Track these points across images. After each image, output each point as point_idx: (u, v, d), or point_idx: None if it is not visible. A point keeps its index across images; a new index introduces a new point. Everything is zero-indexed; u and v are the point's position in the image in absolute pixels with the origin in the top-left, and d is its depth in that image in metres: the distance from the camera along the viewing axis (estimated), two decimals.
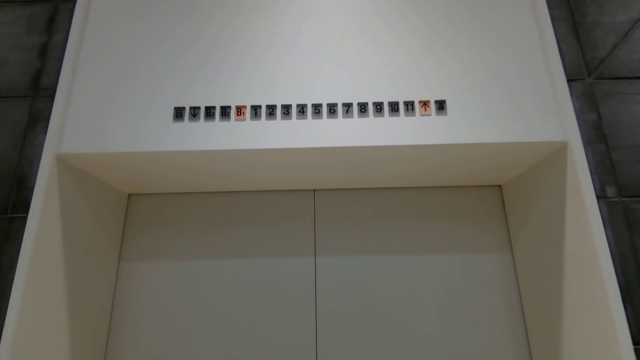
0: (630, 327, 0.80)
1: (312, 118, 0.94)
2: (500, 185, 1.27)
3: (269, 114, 0.95)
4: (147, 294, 1.18)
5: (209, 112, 0.95)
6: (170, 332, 1.15)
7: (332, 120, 0.94)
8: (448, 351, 1.11)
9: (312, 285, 1.18)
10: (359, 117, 0.94)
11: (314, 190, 1.27)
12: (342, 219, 1.24)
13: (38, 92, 1.01)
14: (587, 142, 0.93)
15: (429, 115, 0.94)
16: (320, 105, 0.95)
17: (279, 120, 0.94)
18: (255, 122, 0.94)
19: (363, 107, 0.95)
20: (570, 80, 0.97)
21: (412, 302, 1.16)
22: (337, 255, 1.20)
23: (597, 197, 0.88)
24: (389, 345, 1.12)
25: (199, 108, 0.96)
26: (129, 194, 1.28)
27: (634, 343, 0.79)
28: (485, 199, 1.25)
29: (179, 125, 0.95)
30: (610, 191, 0.89)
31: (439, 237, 1.22)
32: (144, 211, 1.26)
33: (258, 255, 1.21)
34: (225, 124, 0.94)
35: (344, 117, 0.94)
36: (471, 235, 1.22)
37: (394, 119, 0.94)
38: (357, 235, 1.23)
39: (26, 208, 0.91)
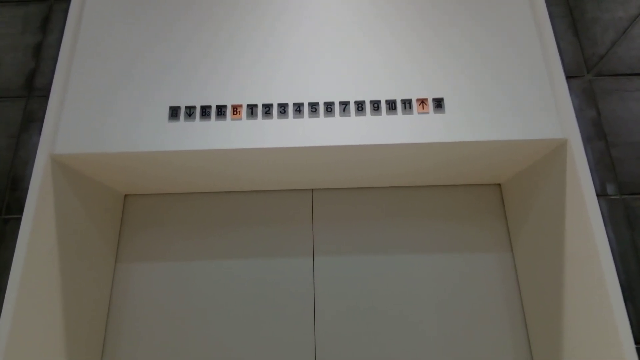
0: (632, 326, 0.79)
1: (309, 117, 0.94)
2: (499, 184, 1.26)
3: (265, 113, 0.94)
4: (144, 296, 1.17)
5: (205, 111, 0.94)
6: (168, 334, 1.14)
7: (329, 119, 0.93)
8: (448, 351, 1.10)
9: (310, 286, 1.17)
10: (356, 115, 0.93)
11: (312, 190, 1.27)
12: (341, 218, 1.23)
13: (32, 92, 1.00)
14: (587, 140, 0.92)
15: (427, 113, 0.93)
16: (317, 103, 0.94)
17: (275, 120, 0.93)
18: (252, 122, 0.93)
19: (360, 106, 0.94)
20: (569, 77, 0.96)
21: (411, 302, 1.15)
22: (336, 255, 1.19)
23: (598, 195, 0.87)
24: (389, 346, 1.11)
25: (194, 107, 0.95)
26: (125, 195, 1.27)
27: (636, 342, 0.78)
28: (485, 198, 1.25)
29: (175, 124, 0.94)
30: (610, 189, 0.88)
31: (438, 236, 1.21)
32: (140, 212, 1.25)
33: (256, 255, 1.20)
34: (221, 123, 0.93)
35: (341, 116, 0.93)
36: (470, 235, 1.21)
37: (392, 117, 0.93)
38: (356, 235, 1.22)
39: (20, 209, 0.90)
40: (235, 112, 0.94)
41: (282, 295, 1.16)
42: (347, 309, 1.15)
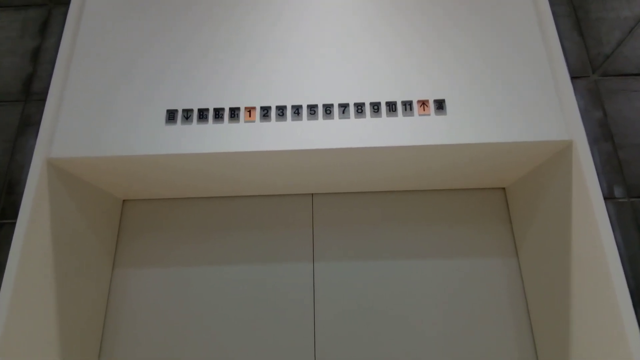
0: None
1: (308, 119, 0.92)
2: (504, 188, 1.23)
3: (263, 115, 0.92)
4: (142, 301, 1.16)
5: (202, 114, 0.93)
6: (166, 340, 1.12)
7: (328, 122, 0.92)
8: (452, 358, 1.07)
9: (310, 291, 1.15)
10: (355, 117, 0.92)
11: (312, 194, 1.25)
12: (342, 223, 1.22)
13: (30, 96, 0.99)
14: (593, 141, 0.89)
15: (428, 115, 0.91)
16: (315, 106, 0.93)
17: (273, 122, 0.92)
18: (249, 124, 0.92)
19: (360, 108, 0.92)
20: (574, 78, 0.94)
21: (414, 308, 1.12)
22: (336, 261, 1.17)
23: (605, 198, 0.85)
24: (391, 353, 1.09)
25: (191, 110, 0.94)
26: (124, 200, 1.26)
27: None
28: (489, 202, 1.22)
29: (172, 128, 0.93)
30: (618, 191, 0.86)
31: (441, 241, 1.19)
32: (138, 217, 1.24)
33: (255, 260, 1.18)
34: (218, 126, 0.92)
35: (340, 118, 0.92)
36: (475, 239, 1.19)
37: (392, 119, 0.91)
38: (357, 239, 1.20)
39: (15, 214, 0.89)
40: (232, 115, 0.93)
41: (281, 301, 1.14)
42: (347, 316, 1.12)
